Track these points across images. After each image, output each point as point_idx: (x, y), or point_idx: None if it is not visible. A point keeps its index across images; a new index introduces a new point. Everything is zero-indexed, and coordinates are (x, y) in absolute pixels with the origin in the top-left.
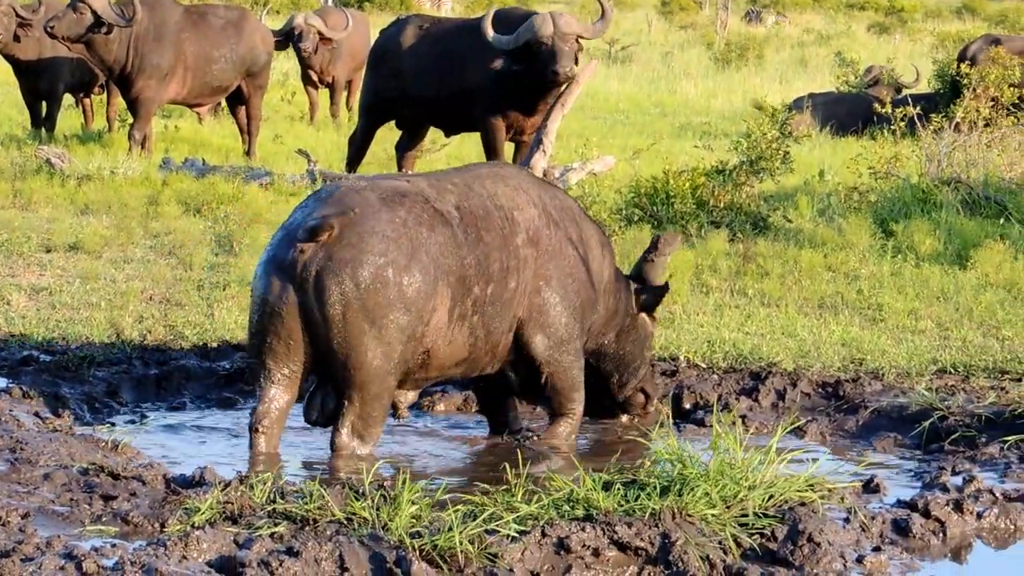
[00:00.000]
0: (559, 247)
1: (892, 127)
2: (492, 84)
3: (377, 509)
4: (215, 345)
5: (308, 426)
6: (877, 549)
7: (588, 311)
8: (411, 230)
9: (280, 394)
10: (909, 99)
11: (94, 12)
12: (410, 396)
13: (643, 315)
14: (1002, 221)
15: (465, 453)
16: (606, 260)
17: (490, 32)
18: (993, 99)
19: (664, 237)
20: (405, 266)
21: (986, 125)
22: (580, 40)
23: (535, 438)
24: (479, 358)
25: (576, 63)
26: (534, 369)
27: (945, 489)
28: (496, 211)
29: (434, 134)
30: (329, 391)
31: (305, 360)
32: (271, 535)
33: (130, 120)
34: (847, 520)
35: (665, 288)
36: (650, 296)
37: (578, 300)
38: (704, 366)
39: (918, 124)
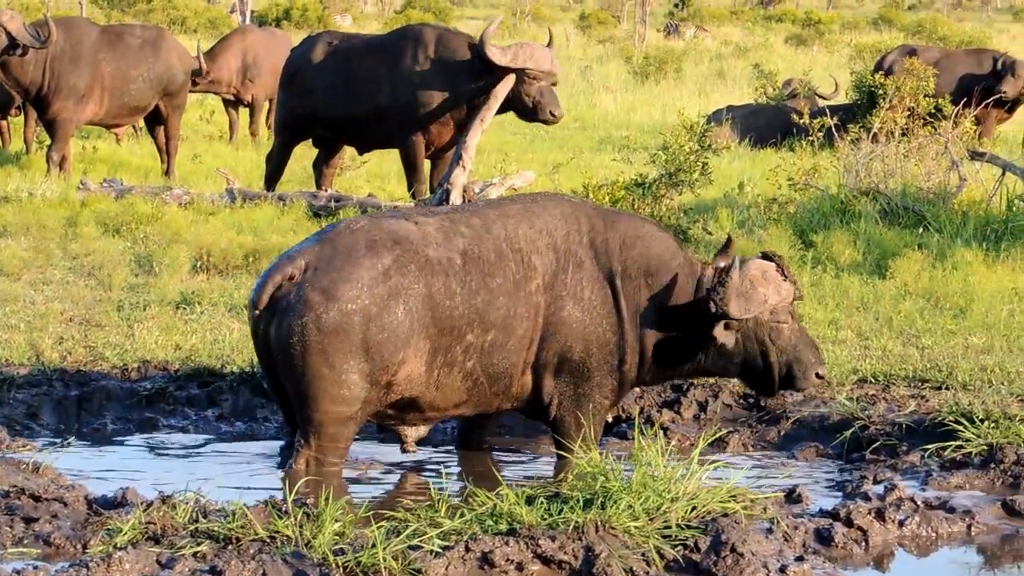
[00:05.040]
0: (576, 290)
1: (810, 138)
2: (408, 102)
3: (300, 527)
4: (135, 366)
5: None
6: (800, 559)
7: (616, 351)
8: (392, 279)
9: (290, 415)
10: (827, 110)
11: (9, 34)
12: (421, 430)
13: None
14: (920, 230)
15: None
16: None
17: (492, 47)
18: (909, 109)
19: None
20: (375, 315)
21: (903, 135)
22: None
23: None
24: (485, 399)
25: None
26: (545, 407)
27: (867, 498)
28: (512, 255)
29: (354, 151)
30: None
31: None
32: (194, 554)
33: (48, 141)
34: (770, 530)
35: None
36: None
37: (599, 342)
38: None
39: (836, 135)
